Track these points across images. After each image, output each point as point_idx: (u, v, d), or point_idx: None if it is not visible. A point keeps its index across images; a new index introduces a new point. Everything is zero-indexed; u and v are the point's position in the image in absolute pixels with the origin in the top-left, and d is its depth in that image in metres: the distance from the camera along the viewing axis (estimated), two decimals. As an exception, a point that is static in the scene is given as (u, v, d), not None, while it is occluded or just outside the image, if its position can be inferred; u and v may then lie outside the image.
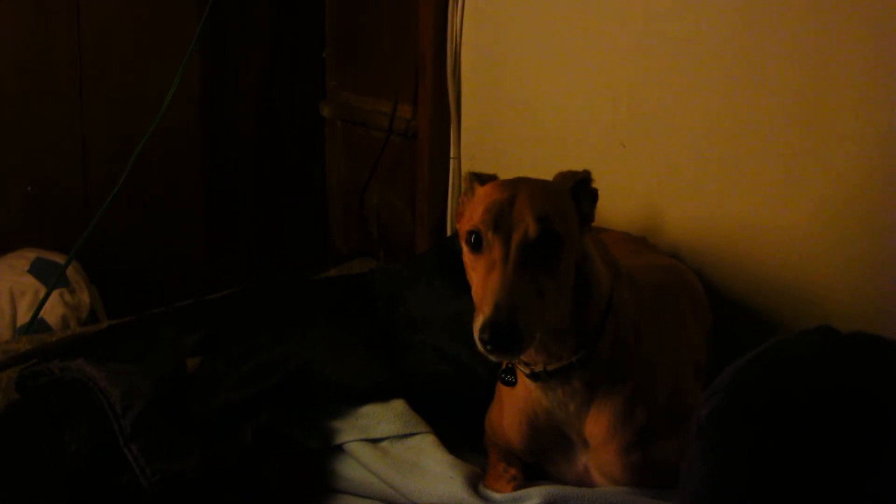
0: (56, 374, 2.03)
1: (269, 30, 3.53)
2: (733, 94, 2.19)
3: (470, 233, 1.63)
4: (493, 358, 1.55)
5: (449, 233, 3.04)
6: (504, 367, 1.80)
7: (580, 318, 1.68)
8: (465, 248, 1.66)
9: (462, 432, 2.06)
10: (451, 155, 3.00)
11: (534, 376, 1.73)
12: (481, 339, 1.51)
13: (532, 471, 1.90)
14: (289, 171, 3.70)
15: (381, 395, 2.06)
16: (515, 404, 1.85)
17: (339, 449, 1.97)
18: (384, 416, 2.00)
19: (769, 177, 2.15)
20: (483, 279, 1.58)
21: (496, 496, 1.78)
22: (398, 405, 2.03)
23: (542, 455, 1.88)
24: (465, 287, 2.33)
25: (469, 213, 1.67)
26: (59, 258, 2.93)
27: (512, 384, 1.80)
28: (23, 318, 2.81)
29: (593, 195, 1.75)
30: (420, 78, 3.02)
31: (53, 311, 2.83)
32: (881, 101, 1.93)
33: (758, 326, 2.17)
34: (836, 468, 1.12)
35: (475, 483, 1.82)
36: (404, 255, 3.23)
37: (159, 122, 2.94)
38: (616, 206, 2.40)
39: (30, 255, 2.94)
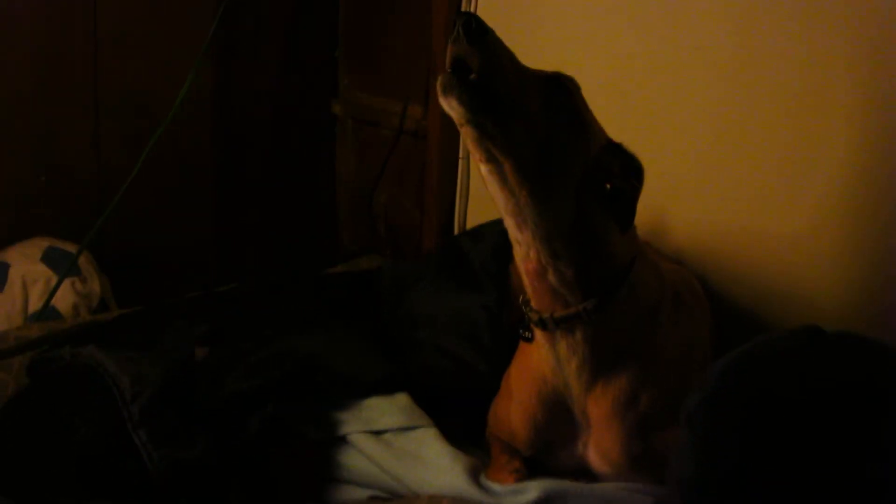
0: (67, 360, 2.05)
1: (283, 28, 3.55)
2: (734, 100, 2.21)
3: None
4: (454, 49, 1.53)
5: (457, 231, 3.05)
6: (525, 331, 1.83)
7: (584, 265, 1.69)
8: None
9: (463, 428, 2.07)
10: (460, 155, 3.01)
11: (542, 323, 1.74)
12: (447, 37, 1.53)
13: (533, 466, 1.92)
14: (299, 167, 3.71)
15: (384, 388, 2.08)
16: (526, 384, 1.88)
17: (343, 440, 1.99)
18: (387, 409, 2.02)
19: (769, 182, 2.16)
20: None
21: (497, 487, 1.80)
22: (401, 399, 2.05)
23: (544, 446, 1.90)
24: (470, 285, 2.37)
25: None
26: (71, 247, 2.94)
27: (528, 340, 1.83)
28: (34, 305, 2.83)
29: (633, 176, 1.76)
30: (431, 78, 3.04)
31: (64, 300, 2.84)
32: (879, 107, 1.95)
33: (757, 329, 2.15)
34: (817, 458, 1.16)
35: (476, 474, 1.84)
36: (411, 253, 3.25)
37: (172, 117, 2.96)
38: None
39: (42, 243, 2.96)
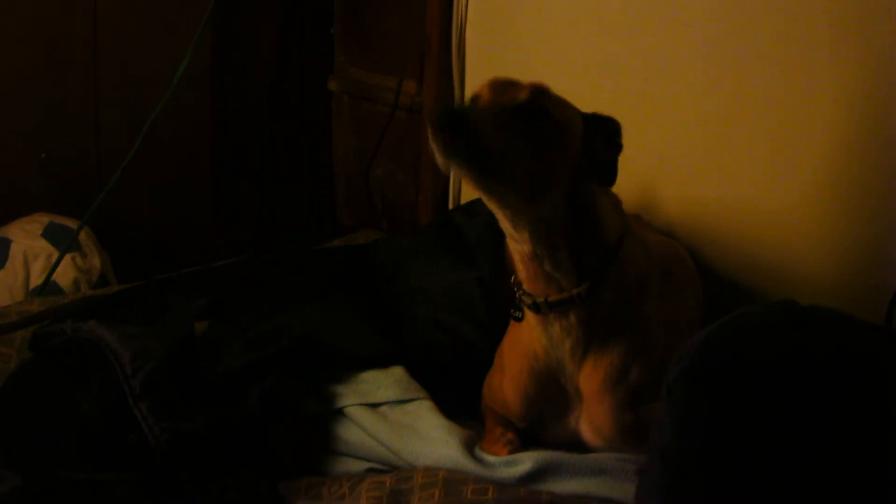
0: (68, 334, 2.06)
1: (280, 6, 3.55)
2: (725, 77, 2.21)
3: (472, 99, 1.69)
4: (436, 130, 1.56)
5: (451, 206, 3.07)
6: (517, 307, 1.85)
7: (579, 250, 1.72)
8: None
9: (459, 400, 2.09)
10: (455, 130, 3.03)
11: (535, 307, 1.77)
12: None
13: (526, 438, 1.94)
14: (296, 143, 3.72)
15: (380, 362, 2.10)
16: (517, 359, 1.90)
17: (340, 413, 2.01)
18: (383, 382, 2.04)
19: (760, 158, 2.17)
20: None
21: (491, 459, 1.82)
22: (397, 371, 2.07)
23: (536, 419, 1.93)
24: (464, 259, 2.38)
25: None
26: (71, 223, 2.95)
27: (519, 319, 1.84)
28: (35, 280, 2.84)
29: (615, 143, 1.78)
30: (426, 54, 3.04)
31: (65, 275, 2.85)
32: (870, 83, 1.96)
33: (747, 302, 2.15)
34: (793, 428, 1.19)
35: (471, 446, 1.86)
36: (407, 228, 3.25)
37: (171, 94, 2.97)
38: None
39: (43, 219, 2.96)
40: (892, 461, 1.18)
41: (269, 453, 1.95)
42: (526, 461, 1.78)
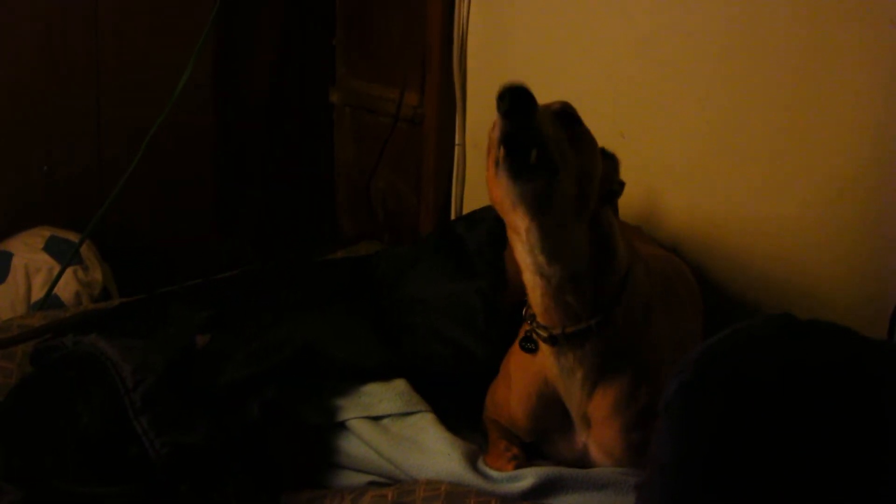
0: (70, 348, 2.07)
1: (281, 17, 3.55)
2: (730, 87, 2.22)
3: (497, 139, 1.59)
4: (507, 124, 1.51)
5: (453, 217, 3.08)
6: (525, 336, 1.84)
7: (598, 278, 1.71)
8: (491, 136, 1.61)
9: (460, 411, 2.10)
10: (456, 141, 3.03)
11: (551, 339, 1.74)
12: (498, 108, 1.50)
13: (531, 451, 1.94)
14: (298, 155, 3.72)
15: (382, 374, 2.09)
16: (526, 377, 1.89)
17: (342, 426, 2.01)
18: (385, 395, 2.04)
19: (764, 169, 2.18)
20: None
21: (494, 474, 1.82)
22: (399, 384, 2.07)
23: (543, 435, 1.92)
24: (465, 270, 2.38)
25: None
26: (73, 237, 2.94)
27: (532, 351, 1.82)
28: (37, 294, 2.83)
29: (620, 181, 1.81)
30: (427, 66, 3.05)
31: (67, 288, 2.84)
32: (876, 95, 1.97)
33: (749, 316, 2.17)
34: (789, 443, 1.19)
35: (473, 460, 1.86)
36: (409, 239, 3.25)
37: (172, 106, 2.97)
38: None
39: (45, 233, 2.95)
40: (891, 474, 1.18)
41: (271, 466, 1.94)
42: (528, 476, 1.78)
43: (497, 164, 1.55)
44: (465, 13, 2.88)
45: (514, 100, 1.50)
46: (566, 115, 1.65)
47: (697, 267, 2.24)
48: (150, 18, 3.25)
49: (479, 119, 2.97)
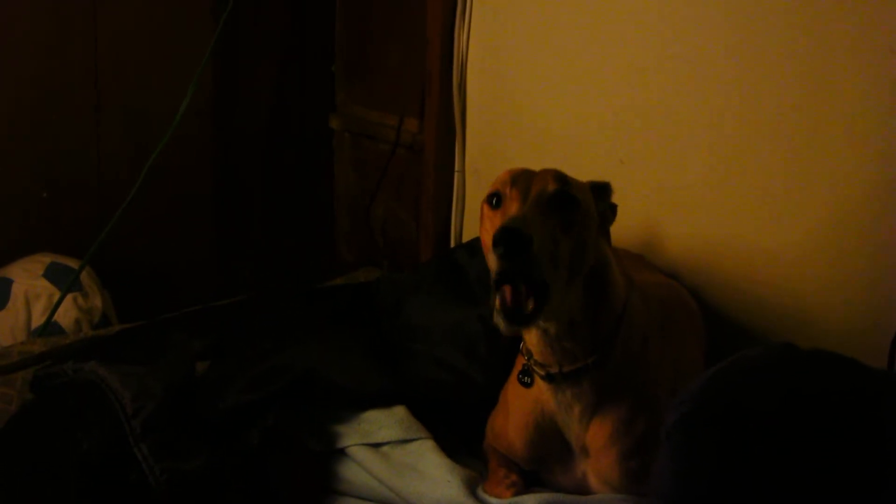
0: (70, 375, 2.07)
1: (281, 44, 3.57)
2: (730, 115, 2.21)
3: (491, 196, 1.66)
4: (503, 264, 1.52)
5: (453, 244, 3.08)
6: (523, 368, 1.84)
7: (595, 320, 1.72)
8: (484, 208, 1.68)
9: (460, 438, 2.10)
10: (456, 168, 3.03)
11: (549, 377, 1.76)
12: (494, 250, 1.51)
13: (531, 479, 1.93)
14: (297, 181, 3.73)
15: (382, 400, 2.09)
16: (523, 406, 1.88)
17: (342, 452, 2.00)
18: (385, 422, 2.03)
19: (767, 197, 2.17)
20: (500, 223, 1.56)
21: (493, 501, 1.82)
22: (399, 411, 2.07)
23: (542, 463, 1.91)
24: (465, 296, 2.38)
25: (492, 184, 1.69)
26: (73, 263, 2.95)
27: (528, 385, 1.83)
28: (37, 320, 2.83)
29: (612, 205, 1.81)
30: (426, 93, 3.06)
31: (67, 315, 2.85)
32: (880, 122, 1.96)
33: (752, 343, 2.10)
34: (790, 473, 1.19)
35: (473, 487, 1.86)
36: (409, 265, 3.25)
37: (173, 133, 2.98)
38: (614, 223, 2.44)
39: (45, 259, 2.96)
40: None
41: (271, 493, 1.93)
42: (527, 502, 1.78)
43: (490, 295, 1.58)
44: (465, 40, 2.89)
45: (509, 246, 1.51)
46: (558, 199, 1.63)
47: (697, 294, 2.24)
48: (151, 45, 3.27)
49: (479, 146, 2.98)
